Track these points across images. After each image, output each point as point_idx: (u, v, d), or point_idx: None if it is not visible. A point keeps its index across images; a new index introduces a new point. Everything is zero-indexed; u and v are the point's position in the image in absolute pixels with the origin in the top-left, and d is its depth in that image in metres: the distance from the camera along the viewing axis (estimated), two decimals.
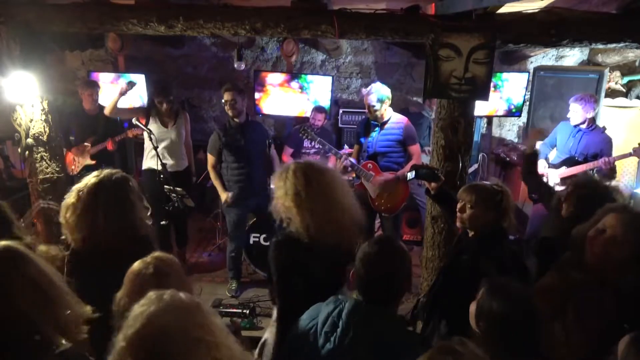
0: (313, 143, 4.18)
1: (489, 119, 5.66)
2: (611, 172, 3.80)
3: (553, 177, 4.01)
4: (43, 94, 3.38)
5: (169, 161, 4.08)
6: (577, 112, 3.94)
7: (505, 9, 2.94)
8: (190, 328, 1.15)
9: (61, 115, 3.76)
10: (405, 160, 3.93)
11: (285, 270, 2.00)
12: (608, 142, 3.94)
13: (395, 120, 3.86)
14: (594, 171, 3.84)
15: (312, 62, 5.98)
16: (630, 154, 3.80)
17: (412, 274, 1.69)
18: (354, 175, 4.08)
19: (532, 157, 3.40)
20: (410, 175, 2.81)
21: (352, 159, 3.97)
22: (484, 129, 5.79)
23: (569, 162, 3.97)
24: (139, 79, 5.24)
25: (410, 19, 3.04)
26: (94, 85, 4.55)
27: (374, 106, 3.70)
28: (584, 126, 3.97)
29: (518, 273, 2.03)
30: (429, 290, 2.48)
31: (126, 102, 5.32)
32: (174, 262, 1.70)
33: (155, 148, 3.71)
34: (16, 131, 3.41)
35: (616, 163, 3.82)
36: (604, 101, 4.88)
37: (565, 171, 3.95)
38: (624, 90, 5.40)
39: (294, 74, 5.36)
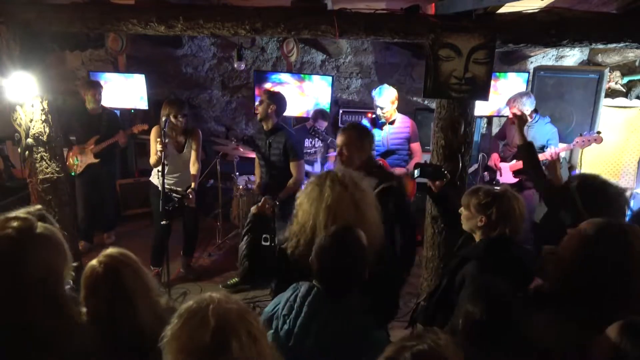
0: (314, 142, 4.22)
1: (489, 119, 5.66)
2: (554, 163, 3.86)
3: (505, 170, 4.20)
4: (43, 94, 3.38)
5: (171, 183, 3.92)
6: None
7: (505, 9, 2.93)
8: (248, 321, 1.18)
9: (61, 115, 3.76)
10: (410, 157, 4.08)
11: None
12: (554, 133, 4.09)
13: (401, 119, 4.01)
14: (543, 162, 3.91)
15: (312, 62, 5.98)
16: (573, 145, 3.87)
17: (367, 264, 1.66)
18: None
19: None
20: (416, 173, 2.76)
21: None
22: (484, 129, 5.80)
23: (519, 155, 4.07)
24: (139, 79, 5.26)
25: (410, 19, 3.04)
26: (97, 86, 4.55)
27: (383, 107, 3.78)
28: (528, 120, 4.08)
29: (521, 281, 1.97)
30: (430, 295, 2.45)
31: (127, 103, 5.35)
32: (125, 257, 1.62)
33: (163, 172, 3.63)
34: (16, 131, 3.42)
35: (617, 162, 3.86)
36: (604, 101, 4.87)
37: (515, 163, 4.11)
38: (624, 90, 5.39)
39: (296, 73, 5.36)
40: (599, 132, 3.79)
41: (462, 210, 2.24)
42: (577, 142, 3.80)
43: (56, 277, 1.40)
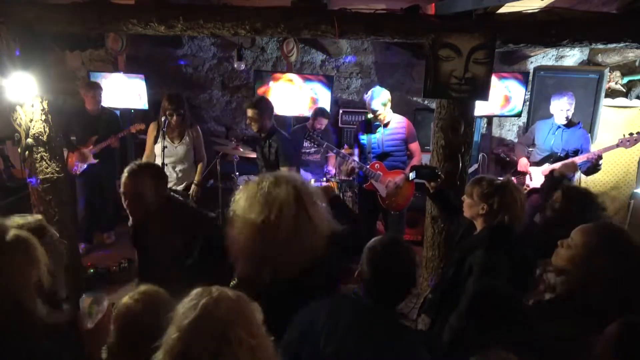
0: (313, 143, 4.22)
1: (489, 119, 5.66)
2: (597, 164, 3.79)
3: (536, 174, 4.09)
4: (43, 94, 3.37)
5: (172, 179, 3.92)
6: (569, 110, 3.94)
7: (505, 9, 2.94)
8: (236, 323, 1.15)
9: (61, 115, 3.75)
10: (408, 159, 4.04)
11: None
12: (587, 138, 4.03)
13: (397, 120, 3.97)
14: (579, 165, 3.88)
15: (312, 62, 5.98)
16: (616, 146, 3.79)
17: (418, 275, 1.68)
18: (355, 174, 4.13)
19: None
20: (412, 175, 2.83)
21: (356, 159, 4.00)
22: (484, 129, 5.79)
23: (551, 158, 4.04)
24: (139, 79, 5.25)
25: (410, 19, 3.04)
26: (97, 87, 4.55)
27: (376, 110, 3.78)
28: (563, 123, 4.03)
29: (523, 271, 2.00)
30: (436, 287, 2.48)
31: (127, 103, 5.35)
32: (159, 293, 1.59)
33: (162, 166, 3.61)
34: (16, 131, 3.41)
35: (617, 162, 3.83)
36: (604, 101, 4.88)
37: (548, 167, 4.00)
38: (624, 90, 5.39)
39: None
40: None
41: (464, 198, 2.30)
42: (622, 141, 3.71)
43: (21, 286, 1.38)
